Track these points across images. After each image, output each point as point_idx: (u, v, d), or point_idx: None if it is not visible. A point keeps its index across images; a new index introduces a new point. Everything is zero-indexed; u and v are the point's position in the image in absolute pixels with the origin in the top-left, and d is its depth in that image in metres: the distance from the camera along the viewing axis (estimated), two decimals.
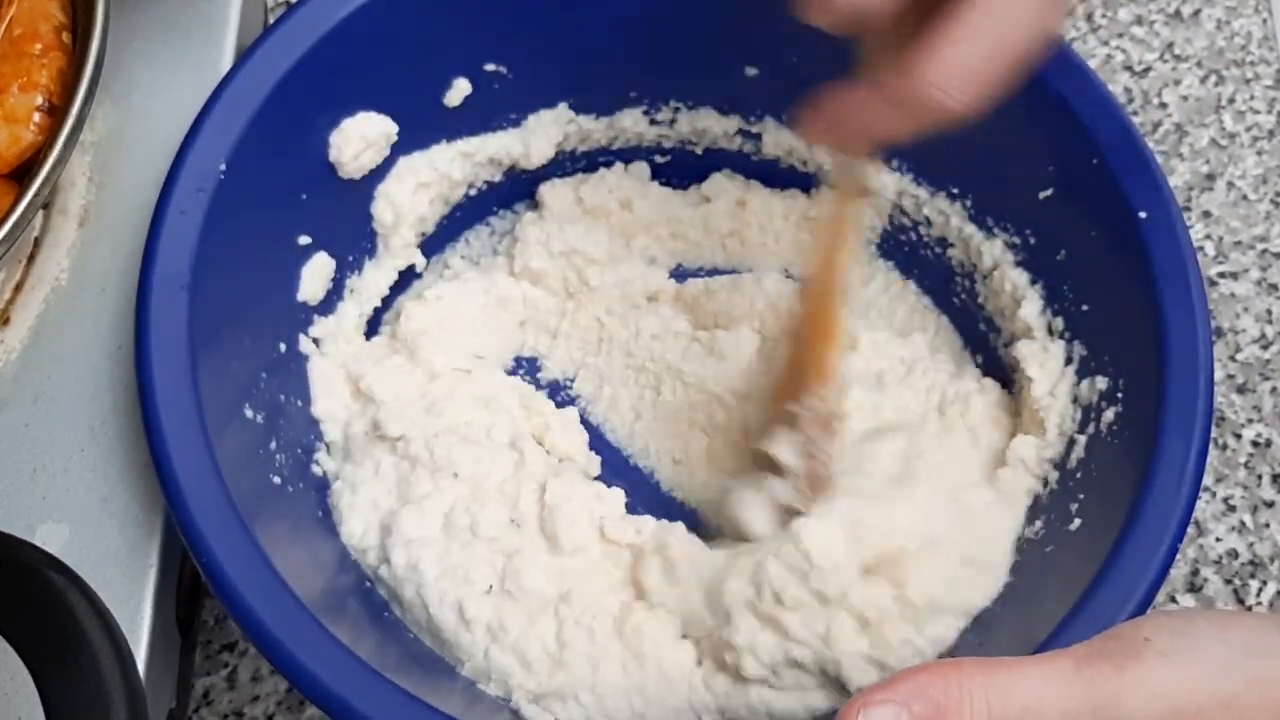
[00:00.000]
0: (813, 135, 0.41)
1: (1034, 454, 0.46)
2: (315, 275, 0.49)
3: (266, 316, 0.47)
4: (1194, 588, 0.51)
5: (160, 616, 0.43)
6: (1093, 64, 0.62)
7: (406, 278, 0.54)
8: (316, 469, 0.47)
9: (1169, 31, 0.64)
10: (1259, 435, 0.54)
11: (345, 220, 0.50)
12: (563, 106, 0.53)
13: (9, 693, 0.40)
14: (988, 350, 0.51)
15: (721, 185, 0.56)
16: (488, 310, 0.53)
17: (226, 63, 0.53)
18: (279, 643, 0.37)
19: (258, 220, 0.45)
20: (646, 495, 0.50)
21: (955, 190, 0.51)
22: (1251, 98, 0.62)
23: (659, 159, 0.56)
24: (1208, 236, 0.59)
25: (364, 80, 0.48)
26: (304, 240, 0.49)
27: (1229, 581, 0.51)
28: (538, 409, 0.50)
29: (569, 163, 0.55)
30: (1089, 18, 0.64)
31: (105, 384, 0.46)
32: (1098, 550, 0.39)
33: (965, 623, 0.43)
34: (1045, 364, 0.47)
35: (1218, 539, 0.52)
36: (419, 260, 0.53)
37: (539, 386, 0.53)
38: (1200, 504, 0.53)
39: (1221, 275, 0.58)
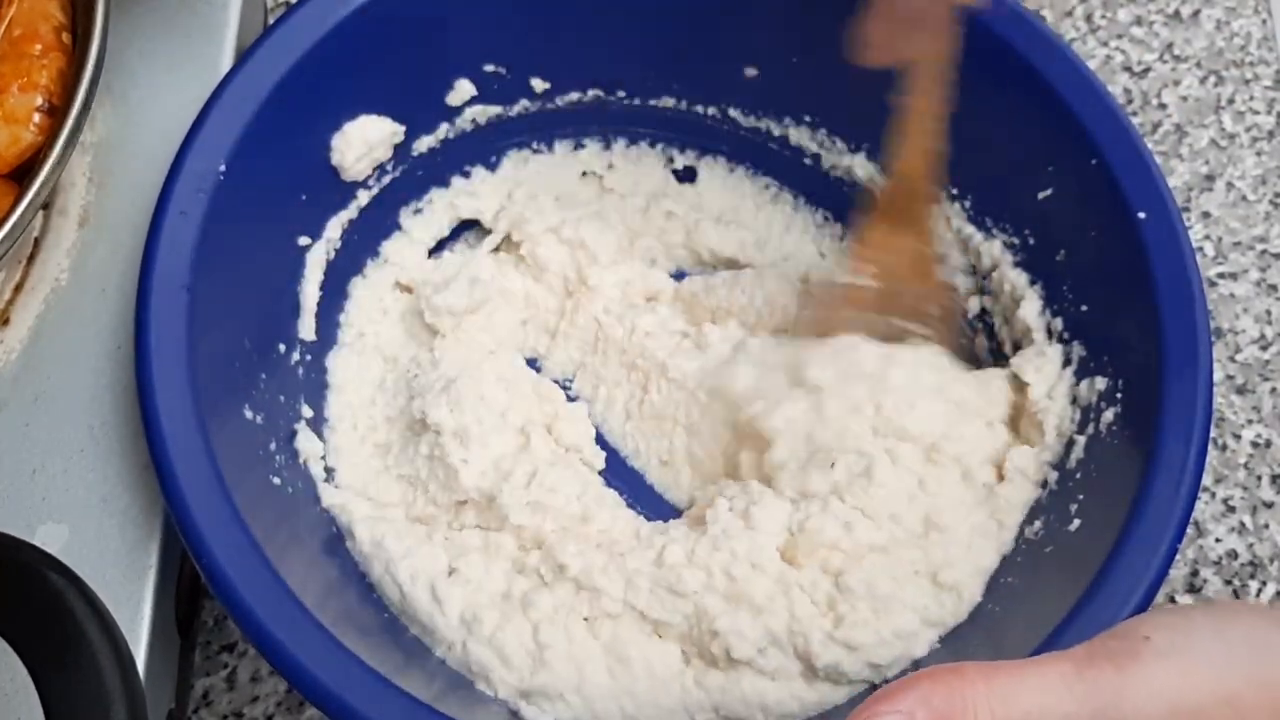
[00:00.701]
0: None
1: (1032, 464, 0.46)
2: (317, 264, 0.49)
3: (267, 317, 0.47)
4: (1194, 588, 0.51)
5: (160, 617, 0.43)
6: (1092, 65, 0.62)
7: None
8: (316, 468, 0.47)
9: (1168, 32, 0.64)
10: (1258, 436, 0.54)
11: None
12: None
13: (9, 693, 0.40)
14: (978, 356, 0.51)
15: (725, 183, 0.56)
16: (494, 303, 0.53)
17: (226, 63, 0.53)
18: (278, 643, 0.37)
19: (258, 220, 0.46)
20: (644, 496, 0.50)
21: (955, 190, 0.51)
22: (1251, 98, 0.62)
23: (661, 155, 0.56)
24: (1207, 237, 0.59)
25: (364, 81, 0.48)
26: (304, 240, 0.49)
27: (1228, 582, 0.51)
28: (550, 398, 0.50)
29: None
30: (1088, 19, 0.64)
31: (105, 384, 0.46)
32: (1097, 551, 0.39)
33: (935, 632, 0.43)
34: (1042, 367, 0.47)
35: (1217, 539, 0.52)
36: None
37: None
38: (1200, 505, 0.53)
39: (1221, 276, 0.58)
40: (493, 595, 0.44)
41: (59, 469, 0.45)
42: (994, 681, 0.30)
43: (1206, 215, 0.59)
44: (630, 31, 0.51)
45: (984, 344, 0.51)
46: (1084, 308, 0.46)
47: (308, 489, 0.47)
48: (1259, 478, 0.54)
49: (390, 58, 0.48)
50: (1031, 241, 0.48)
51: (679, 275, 0.55)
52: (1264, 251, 0.58)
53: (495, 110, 0.53)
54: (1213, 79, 0.63)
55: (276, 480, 0.45)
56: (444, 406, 0.47)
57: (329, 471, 0.48)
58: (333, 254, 0.50)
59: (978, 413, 0.47)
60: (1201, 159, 0.61)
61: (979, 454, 0.46)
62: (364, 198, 0.51)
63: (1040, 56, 0.46)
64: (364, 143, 0.49)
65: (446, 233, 0.54)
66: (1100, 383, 0.45)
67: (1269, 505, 0.53)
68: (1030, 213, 0.48)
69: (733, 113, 0.54)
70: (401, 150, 0.51)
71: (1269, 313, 0.57)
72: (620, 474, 0.51)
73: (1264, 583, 0.51)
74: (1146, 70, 0.63)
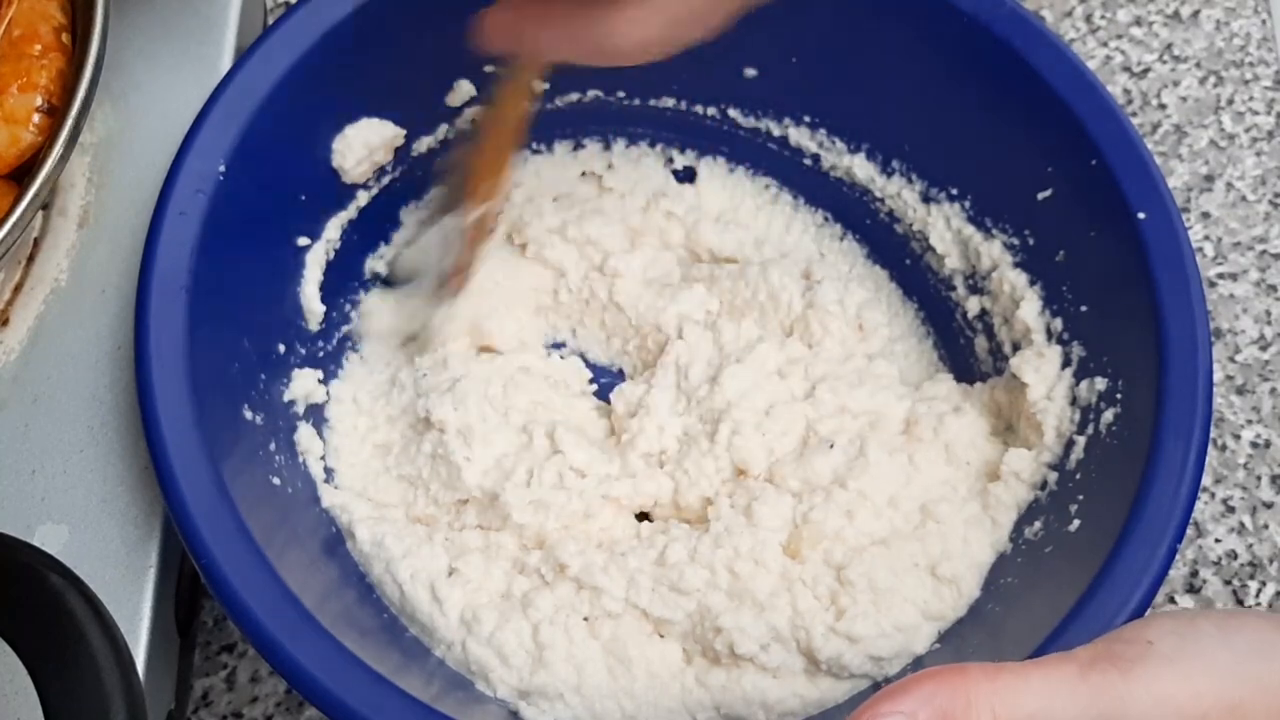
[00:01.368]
0: (493, 42, 0.40)
1: (1027, 466, 0.46)
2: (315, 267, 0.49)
3: (266, 317, 0.47)
4: (1193, 589, 0.52)
5: (159, 617, 0.43)
6: (1092, 65, 0.62)
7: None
8: (316, 469, 0.47)
9: (1168, 32, 0.64)
10: (1258, 436, 0.54)
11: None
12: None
13: (8, 693, 0.40)
14: (974, 357, 0.52)
15: (724, 183, 0.56)
16: (516, 293, 0.53)
17: (226, 63, 0.53)
18: (278, 644, 0.37)
19: (257, 221, 0.46)
20: None
21: (954, 190, 0.51)
22: (1250, 99, 0.62)
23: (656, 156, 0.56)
24: (1207, 237, 0.59)
25: (364, 81, 0.48)
26: (303, 240, 0.49)
27: (1228, 582, 0.51)
28: (569, 377, 0.51)
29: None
30: (1088, 19, 0.65)
31: (105, 384, 0.46)
32: (1097, 551, 0.39)
33: (935, 626, 0.43)
34: (1041, 368, 0.47)
35: (1217, 540, 0.52)
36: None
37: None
38: (1199, 505, 0.53)
39: (1220, 276, 0.58)
40: (493, 595, 0.44)
41: (58, 469, 0.45)
42: (997, 682, 0.30)
43: (1206, 215, 0.59)
44: None
45: (984, 344, 0.51)
46: (1084, 308, 0.46)
47: (308, 489, 0.47)
48: (1259, 478, 0.54)
49: (390, 58, 0.48)
50: (1031, 242, 0.48)
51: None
52: (1264, 252, 0.59)
53: None
54: (1212, 79, 0.63)
55: (276, 480, 0.45)
56: (448, 404, 0.47)
57: (329, 472, 0.48)
58: (332, 254, 0.50)
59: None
60: (1201, 159, 0.61)
61: (961, 439, 0.47)
62: (363, 198, 0.51)
63: (1040, 56, 0.46)
64: (365, 146, 0.49)
65: None
66: (1100, 383, 0.45)
67: (1269, 505, 0.53)
68: (1030, 213, 0.48)
69: (733, 113, 0.54)
70: (401, 151, 0.51)
71: (1269, 313, 0.57)
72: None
73: (1264, 583, 0.51)
74: (1146, 70, 0.63)
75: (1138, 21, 0.65)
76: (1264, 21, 0.64)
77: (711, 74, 0.53)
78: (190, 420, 0.40)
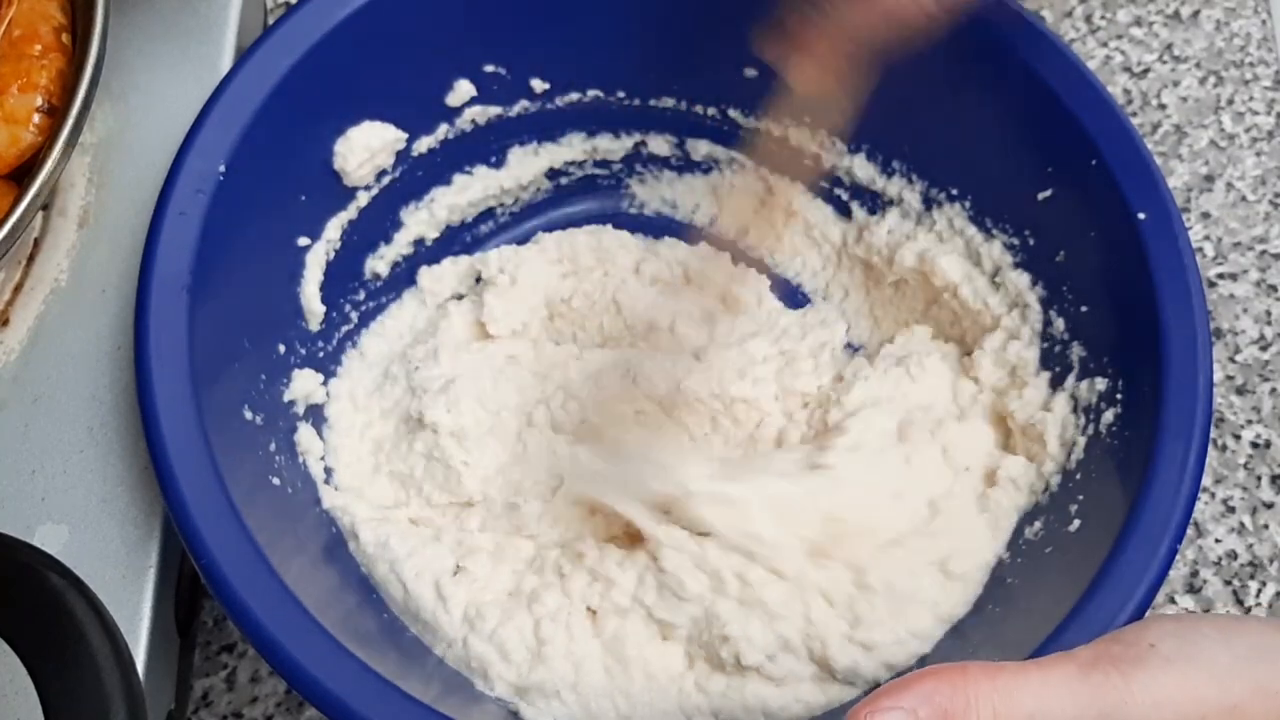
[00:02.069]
0: (801, 75, 0.42)
1: (1024, 474, 0.46)
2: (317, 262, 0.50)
3: (266, 317, 0.47)
4: (1193, 589, 0.51)
5: (159, 617, 0.43)
6: (1092, 65, 0.62)
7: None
8: (316, 469, 0.47)
9: (1168, 33, 0.64)
10: (1258, 436, 0.54)
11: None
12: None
13: (8, 693, 0.40)
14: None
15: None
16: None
17: (226, 63, 0.53)
18: (277, 644, 0.37)
19: (257, 221, 0.45)
20: None
21: (955, 191, 0.51)
22: (1250, 99, 0.62)
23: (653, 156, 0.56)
24: (1207, 237, 0.59)
25: (364, 81, 0.48)
26: (303, 241, 0.49)
27: (1228, 583, 0.51)
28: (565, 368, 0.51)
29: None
30: (1088, 19, 0.64)
31: (105, 385, 0.46)
32: (1097, 551, 0.39)
33: (944, 627, 0.43)
34: (1026, 394, 0.47)
35: (1217, 540, 0.52)
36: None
37: None
38: (1199, 505, 0.53)
39: (1220, 276, 0.58)
40: (498, 593, 0.44)
41: (58, 470, 0.45)
42: (997, 681, 0.30)
43: (1206, 216, 0.59)
44: (630, 31, 0.51)
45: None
46: (1084, 308, 0.46)
47: (308, 489, 0.47)
48: (1259, 478, 0.54)
49: (390, 58, 0.48)
50: (1031, 242, 0.48)
51: None
52: (1264, 252, 0.58)
53: (495, 111, 0.52)
54: (1212, 79, 0.63)
55: (276, 480, 0.45)
56: (441, 406, 0.47)
57: (329, 472, 0.48)
58: (332, 254, 0.50)
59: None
60: (1201, 159, 0.61)
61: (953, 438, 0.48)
62: (364, 199, 0.51)
63: (1040, 57, 0.46)
64: (367, 149, 0.49)
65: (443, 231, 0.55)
66: (1100, 383, 0.45)
67: (1269, 505, 0.53)
68: (1030, 213, 0.48)
69: (732, 113, 0.54)
70: (402, 152, 0.51)
71: (1269, 313, 0.57)
72: None
73: (1264, 583, 0.51)
74: (1146, 71, 0.63)
75: (1138, 21, 0.65)
76: (1264, 21, 0.64)
77: (711, 74, 0.53)
78: (190, 420, 0.40)
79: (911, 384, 0.49)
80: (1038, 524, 0.44)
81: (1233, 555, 0.52)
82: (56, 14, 0.47)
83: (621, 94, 0.54)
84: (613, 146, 0.55)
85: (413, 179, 0.52)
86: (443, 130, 0.52)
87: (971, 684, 0.30)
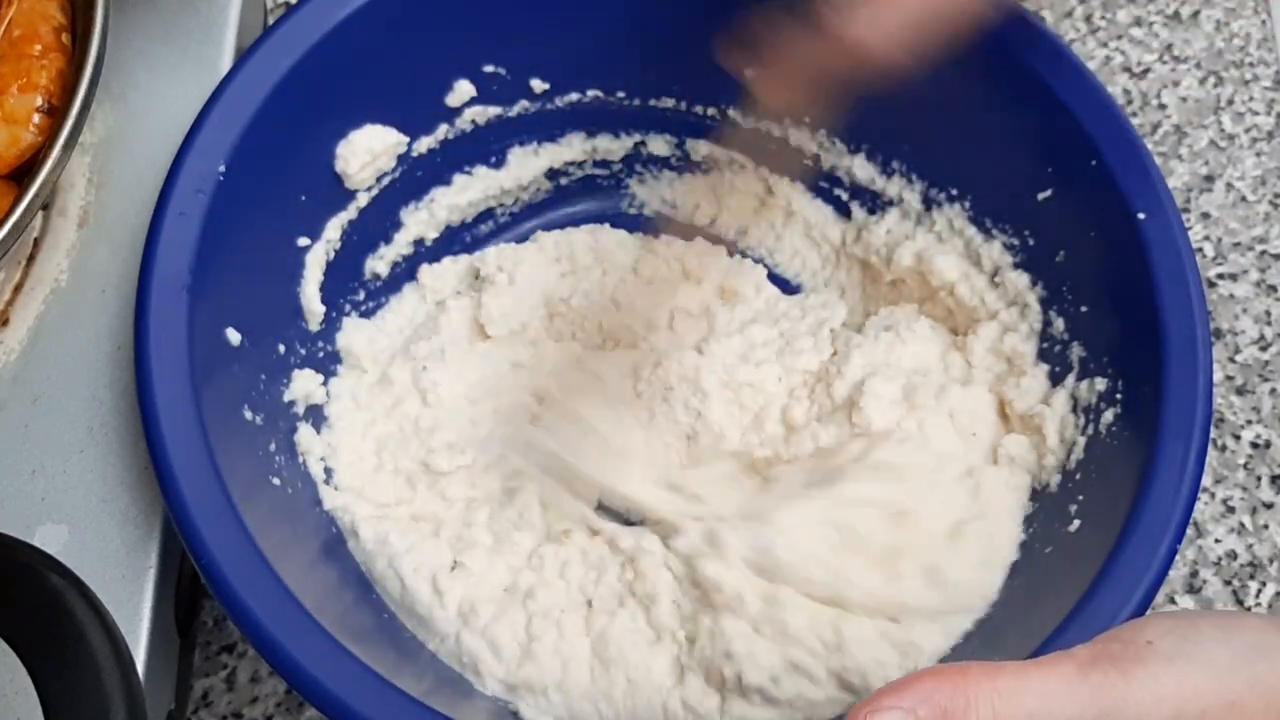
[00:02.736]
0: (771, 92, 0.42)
1: (1025, 453, 0.46)
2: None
3: (266, 317, 0.47)
4: (1193, 589, 0.51)
5: (159, 617, 0.43)
6: (1092, 65, 0.62)
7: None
8: (316, 469, 0.47)
9: (1168, 33, 0.64)
10: (1258, 436, 0.54)
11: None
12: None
13: (8, 693, 0.40)
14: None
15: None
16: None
17: (226, 63, 0.53)
18: (277, 644, 0.37)
19: (257, 221, 0.45)
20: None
21: (955, 191, 0.51)
22: (1250, 99, 0.62)
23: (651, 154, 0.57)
24: (1207, 238, 0.59)
25: (364, 81, 0.48)
26: (303, 241, 0.49)
27: (1228, 583, 0.51)
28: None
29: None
30: (1088, 19, 0.64)
31: (105, 385, 0.46)
32: (1097, 551, 0.39)
33: (970, 622, 0.43)
34: (1023, 383, 0.47)
35: (1217, 540, 0.52)
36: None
37: None
38: (1199, 505, 0.53)
39: (1220, 276, 0.58)
40: (494, 588, 0.45)
41: (58, 469, 0.45)
42: (997, 681, 0.30)
43: (1206, 216, 0.59)
44: (630, 31, 0.51)
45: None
46: (1084, 308, 0.46)
47: (308, 489, 0.47)
48: (1259, 478, 0.54)
49: (390, 58, 0.48)
50: (1031, 242, 0.48)
51: None
52: (1264, 252, 0.59)
53: (495, 111, 0.52)
54: (1212, 80, 0.63)
55: (276, 481, 0.45)
56: (441, 406, 0.47)
57: (328, 472, 0.48)
58: (332, 254, 0.50)
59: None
60: (1201, 160, 0.61)
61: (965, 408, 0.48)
62: (364, 199, 0.51)
63: (1040, 57, 0.46)
64: (368, 152, 0.49)
65: (443, 231, 0.55)
66: (1100, 383, 0.45)
67: (1269, 506, 0.53)
68: (1030, 213, 0.48)
69: (732, 113, 0.54)
70: (402, 154, 0.51)
71: (1269, 313, 0.57)
72: None
73: (1263, 583, 0.51)
74: (1146, 71, 0.63)
75: (1138, 22, 0.65)
76: (1264, 22, 0.64)
77: (711, 74, 0.53)
78: (190, 420, 0.40)
79: (903, 346, 0.50)
80: (1037, 524, 0.44)
81: (1233, 555, 0.52)
82: (56, 14, 0.47)
83: (621, 94, 0.54)
84: (612, 146, 0.56)
85: (412, 179, 0.52)
86: (442, 130, 0.52)
87: (971, 684, 0.30)
